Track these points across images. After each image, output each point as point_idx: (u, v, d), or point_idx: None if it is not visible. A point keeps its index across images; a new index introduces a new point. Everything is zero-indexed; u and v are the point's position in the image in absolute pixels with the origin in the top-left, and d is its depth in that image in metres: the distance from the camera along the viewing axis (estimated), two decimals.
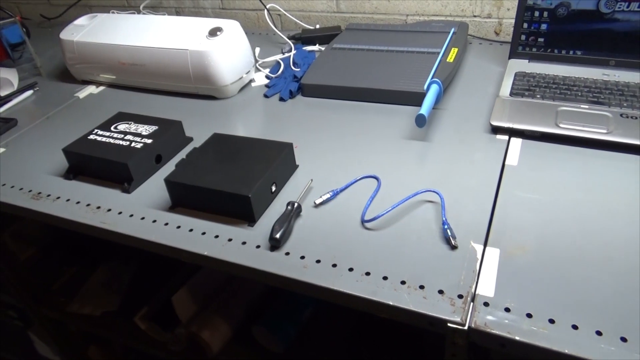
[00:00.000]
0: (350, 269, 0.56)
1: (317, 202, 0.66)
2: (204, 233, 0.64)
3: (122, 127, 0.80)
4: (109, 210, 0.70)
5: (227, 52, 0.93)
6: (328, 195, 0.66)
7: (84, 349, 1.20)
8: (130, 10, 1.41)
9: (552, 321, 0.48)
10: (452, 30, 1.01)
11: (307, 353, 0.85)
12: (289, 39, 1.13)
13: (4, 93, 1.07)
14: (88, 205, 0.71)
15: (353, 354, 0.82)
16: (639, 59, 0.81)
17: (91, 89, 1.07)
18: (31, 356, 1.35)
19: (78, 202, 0.72)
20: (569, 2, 0.83)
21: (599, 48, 0.84)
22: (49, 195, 0.74)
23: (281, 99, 0.93)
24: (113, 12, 1.40)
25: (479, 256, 0.56)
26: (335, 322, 0.89)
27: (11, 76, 1.10)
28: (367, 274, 0.55)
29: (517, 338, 0.47)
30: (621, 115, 0.72)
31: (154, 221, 0.67)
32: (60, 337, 1.14)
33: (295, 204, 0.63)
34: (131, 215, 0.68)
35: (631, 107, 0.73)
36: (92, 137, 0.78)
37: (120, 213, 0.69)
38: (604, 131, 0.70)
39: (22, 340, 1.34)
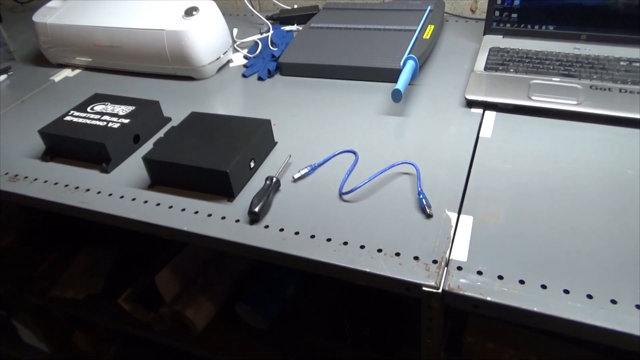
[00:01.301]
0: (328, 240, 0.57)
1: (296, 176, 0.67)
2: (183, 209, 0.64)
3: (98, 107, 0.80)
4: (88, 190, 0.70)
5: (204, 31, 0.92)
6: (306, 170, 0.67)
7: (69, 334, 1.20)
8: None
9: (522, 282, 0.50)
10: (429, 8, 1.01)
11: (290, 329, 0.87)
12: (267, 19, 1.13)
13: None
14: (66, 185, 0.71)
15: (335, 327, 0.84)
16: (608, 33, 0.83)
17: (67, 72, 1.05)
18: (16, 345, 1.34)
19: (56, 183, 0.72)
20: None
21: (570, 23, 0.85)
22: (26, 177, 0.74)
23: (259, 79, 0.93)
24: None
25: (453, 223, 0.57)
26: (317, 298, 0.91)
27: None
28: (345, 243, 0.56)
29: (488, 299, 0.48)
30: (590, 87, 0.74)
31: (133, 199, 0.67)
32: (45, 323, 1.14)
33: (274, 179, 0.64)
34: (110, 195, 0.68)
35: (600, 79, 0.75)
36: (68, 118, 0.78)
37: (99, 192, 0.69)
38: (574, 102, 0.72)
39: (6, 329, 1.34)
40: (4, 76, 1.07)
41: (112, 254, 1.05)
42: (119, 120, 0.76)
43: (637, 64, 0.77)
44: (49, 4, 1.07)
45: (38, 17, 1.04)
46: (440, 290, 0.50)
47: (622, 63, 0.78)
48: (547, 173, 0.63)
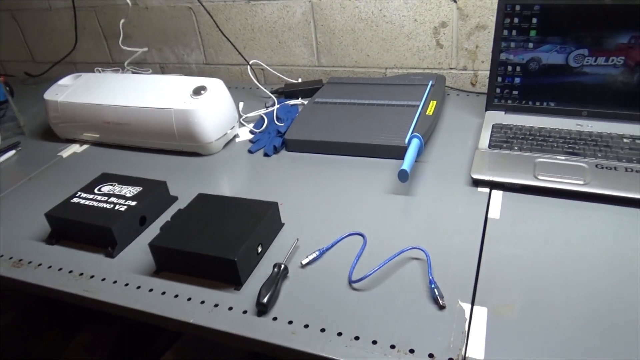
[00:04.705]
0: (339, 334, 0.55)
1: (304, 262, 0.66)
2: (189, 299, 0.63)
3: (106, 188, 0.80)
4: (92, 276, 0.69)
5: (212, 110, 0.94)
6: (314, 255, 0.66)
7: None
8: (114, 66, 1.43)
9: None
10: (430, 82, 1.04)
11: None
12: (272, 93, 1.16)
13: None
14: (70, 272, 0.70)
15: None
16: (609, 109, 0.85)
17: (75, 148, 1.07)
18: None
19: (60, 269, 0.71)
20: (539, 57, 0.86)
21: (571, 99, 0.87)
22: (30, 262, 0.73)
23: (265, 155, 0.94)
24: (98, 69, 1.42)
25: (467, 316, 0.56)
26: None
27: None
28: (356, 338, 0.55)
29: None
30: (596, 165, 0.74)
31: (139, 287, 0.66)
32: None
33: (282, 266, 0.63)
34: (115, 282, 0.67)
35: (605, 158, 0.76)
36: (75, 200, 0.78)
37: (103, 279, 0.68)
38: (581, 182, 0.72)
39: None
40: (12, 152, 1.08)
41: (113, 333, 1.02)
42: (126, 203, 0.76)
43: None
44: (60, 82, 1.10)
45: (49, 94, 1.07)
46: None
47: (625, 140, 0.79)
48: (558, 257, 0.62)
